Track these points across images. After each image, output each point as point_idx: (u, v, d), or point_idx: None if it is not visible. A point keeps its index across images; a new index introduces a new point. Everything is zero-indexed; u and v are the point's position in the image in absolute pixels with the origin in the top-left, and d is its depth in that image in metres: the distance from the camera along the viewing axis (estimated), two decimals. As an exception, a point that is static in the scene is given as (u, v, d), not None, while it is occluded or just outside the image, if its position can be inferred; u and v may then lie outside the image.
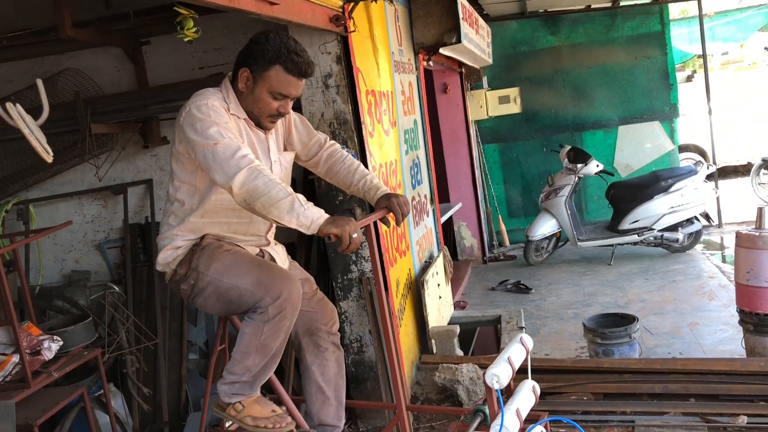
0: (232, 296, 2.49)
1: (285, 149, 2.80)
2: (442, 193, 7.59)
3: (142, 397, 4.54)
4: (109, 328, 4.61)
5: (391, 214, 2.66)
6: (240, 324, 3.13)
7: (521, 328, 5.32)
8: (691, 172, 7.33)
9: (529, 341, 2.52)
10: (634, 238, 7.33)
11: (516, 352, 2.44)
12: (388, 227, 2.89)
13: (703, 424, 3.73)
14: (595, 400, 4.10)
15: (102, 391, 4.27)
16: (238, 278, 2.46)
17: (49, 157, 2.15)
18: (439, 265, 5.45)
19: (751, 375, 3.95)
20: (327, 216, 2.36)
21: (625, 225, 7.35)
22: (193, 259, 2.55)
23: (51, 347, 3.75)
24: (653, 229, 7.27)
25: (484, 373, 2.27)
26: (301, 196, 2.35)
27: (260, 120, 2.55)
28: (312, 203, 2.37)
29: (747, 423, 3.67)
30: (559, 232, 7.66)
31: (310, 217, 2.32)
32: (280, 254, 2.74)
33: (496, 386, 2.22)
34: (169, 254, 2.60)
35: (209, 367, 3.04)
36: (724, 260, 7.22)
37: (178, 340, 4.71)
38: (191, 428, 4.21)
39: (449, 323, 5.44)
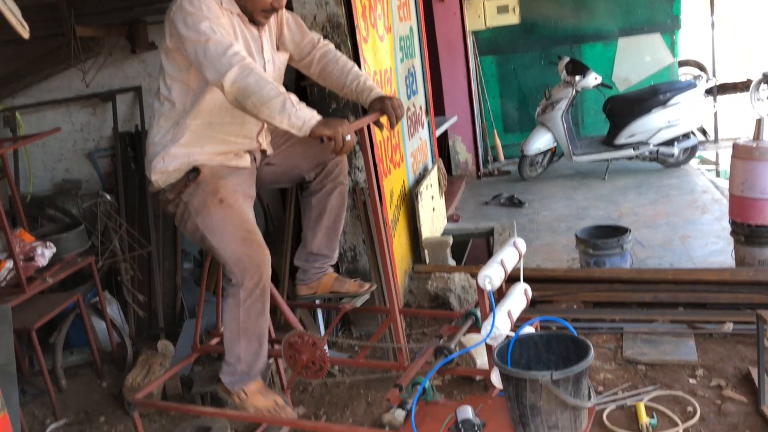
0: (213, 251, 2.56)
1: (278, 49, 2.71)
2: (438, 106, 7.46)
3: (137, 305, 4.59)
4: (102, 237, 4.60)
5: (385, 116, 2.60)
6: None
7: (514, 239, 5.34)
8: (690, 86, 7.21)
9: (522, 245, 2.52)
10: (630, 152, 7.29)
11: (509, 255, 2.43)
12: (381, 130, 2.83)
13: (689, 331, 3.81)
14: (585, 309, 4.17)
15: (97, 298, 4.31)
16: (221, 242, 2.48)
17: (25, 32, 2.05)
18: (433, 178, 5.42)
19: (739, 284, 3.99)
20: (319, 117, 2.30)
21: (621, 139, 7.29)
22: (184, 192, 2.51)
23: (44, 253, 3.75)
24: (649, 144, 7.22)
25: (476, 276, 2.28)
26: (293, 96, 2.28)
27: (253, 14, 2.45)
28: (304, 104, 2.31)
29: (732, 329, 3.74)
30: (555, 147, 7.60)
31: (302, 117, 2.26)
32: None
33: (489, 287, 2.23)
34: (159, 176, 2.55)
35: (202, 274, 3.05)
36: (718, 175, 7.21)
37: (172, 249, 4.72)
38: (186, 335, 4.27)
39: (442, 235, 5.46)
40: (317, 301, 3.30)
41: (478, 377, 3.62)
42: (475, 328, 2.68)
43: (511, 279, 2.43)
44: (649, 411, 3.15)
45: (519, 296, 2.45)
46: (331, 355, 3.00)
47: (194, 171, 2.50)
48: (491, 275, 2.23)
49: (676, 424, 3.04)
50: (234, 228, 2.48)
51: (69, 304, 4.10)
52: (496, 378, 2.28)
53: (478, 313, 2.67)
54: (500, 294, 2.49)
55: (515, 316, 2.36)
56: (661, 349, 3.68)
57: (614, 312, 4.09)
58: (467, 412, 2.09)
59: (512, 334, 2.27)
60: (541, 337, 2.14)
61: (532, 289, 2.54)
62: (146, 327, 4.64)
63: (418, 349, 2.84)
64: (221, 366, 2.67)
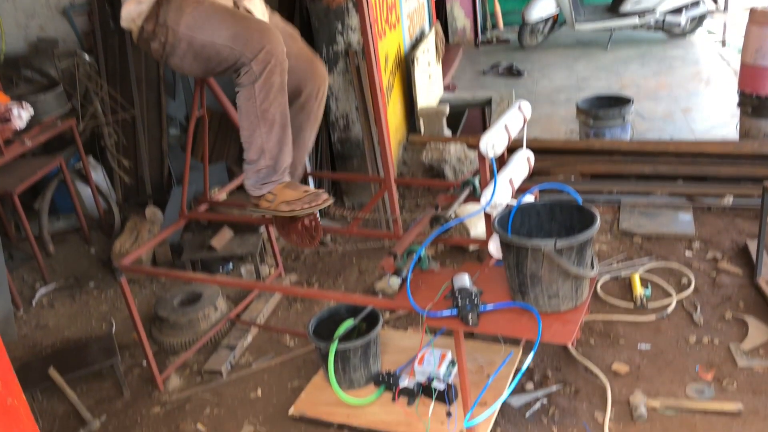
0: (209, 53, 2.26)
1: None
2: (435, -33, 7.01)
3: (123, 171, 4.46)
4: (83, 99, 4.39)
5: None
6: (219, 89, 2.94)
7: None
8: (702, -51, 6.79)
9: (527, 109, 2.37)
10: (635, 21, 6.96)
11: (513, 120, 2.28)
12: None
13: (688, 204, 3.74)
14: (583, 181, 4.08)
15: (81, 163, 4.17)
16: (213, 33, 2.22)
17: None
18: (430, 42, 5.15)
19: (743, 157, 3.89)
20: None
21: (627, 7, 6.94)
22: (159, 13, 2.28)
23: (21, 115, 3.56)
24: (656, 12, 6.88)
25: (476, 144, 2.14)
26: None
27: None
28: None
29: (732, 203, 3.67)
30: (557, 14, 7.24)
31: None
32: (257, 6, 2.47)
33: (491, 154, 2.10)
34: (132, 9, 2.31)
35: (188, 134, 2.89)
36: (724, 46, 6.93)
37: (157, 114, 4.53)
38: (174, 202, 4.18)
39: (438, 104, 5.27)
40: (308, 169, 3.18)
41: (472, 247, 3.58)
42: (473, 197, 2.58)
43: (510, 149, 2.30)
44: (644, 282, 3.14)
45: (521, 164, 2.33)
46: (324, 225, 2.92)
47: None
48: (495, 141, 2.09)
49: (669, 295, 3.03)
50: (220, 13, 2.25)
51: (52, 169, 3.97)
52: (494, 247, 2.20)
53: (477, 182, 2.57)
54: (501, 162, 2.37)
55: (516, 184, 2.26)
56: (658, 221, 3.62)
57: (612, 184, 4.01)
58: (464, 279, 2.02)
59: (513, 202, 2.17)
60: (544, 206, 2.04)
61: (531, 160, 2.42)
62: (134, 194, 4.53)
63: (412, 219, 2.75)
64: (243, 170, 2.42)
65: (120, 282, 2.65)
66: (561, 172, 4.11)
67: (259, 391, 2.81)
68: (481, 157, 2.16)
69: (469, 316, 1.89)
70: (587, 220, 1.94)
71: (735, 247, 3.35)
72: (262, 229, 3.67)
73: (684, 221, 3.61)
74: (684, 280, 3.12)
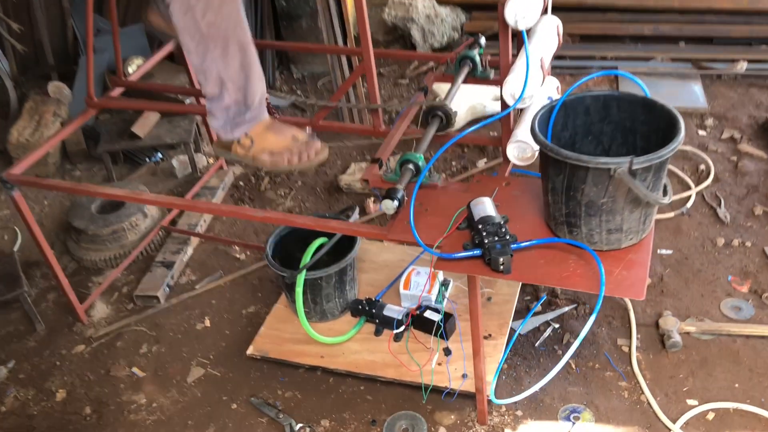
0: None
1: None
2: None
3: (15, 37, 3.60)
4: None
5: None
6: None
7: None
8: None
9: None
10: None
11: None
12: None
13: (695, 71, 3.23)
14: (573, 44, 3.49)
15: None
16: None
17: None
18: None
19: (757, 14, 3.36)
20: None
21: None
22: None
23: None
24: None
25: (503, 7, 1.54)
26: None
27: None
28: None
29: (745, 70, 3.19)
30: None
31: None
32: None
33: (522, 25, 1.50)
34: None
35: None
36: None
37: (51, -39, 3.62)
38: (84, 75, 3.41)
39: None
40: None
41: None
42: (473, 77, 2.01)
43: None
44: (657, 170, 2.68)
45: (550, 37, 1.74)
46: (274, 103, 2.30)
47: None
48: (525, 3, 1.48)
49: (688, 187, 2.59)
50: None
51: None
52: (515, 152, 1.66)
53: (476, 57, 1.98)
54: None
55: (546, 66, 1.68)
56: (664, 93, 3.11)
57: (606, 48, 3.45)
58: (486, 206, 1.49)
59: (545, 92, 1.61)
60: (595, 100, 1.48)
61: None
62: (32, 65, 3.71)
63: (388, 105, 2.09)
64: (207, 109, 1.83)
65: (13, 199, 2.01)
66: (547, 34, 3.50)
67: (207, 321, 2.29)
68: (504, 27, 1.56)
69: (501, 260, 1.37)
70: (659, 122, 1.40)
71: (754, 124, 2.90)
72: (198, 118, 2.99)
73: (693, 93, 3.12)
74: (702, 167, 2.68)
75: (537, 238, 1.44)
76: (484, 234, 1.40)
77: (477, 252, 1.41)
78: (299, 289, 1.94)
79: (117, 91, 2.33)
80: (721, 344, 2.01)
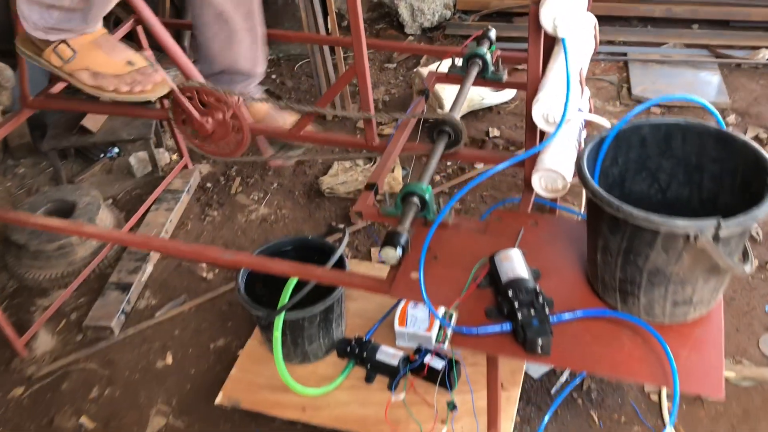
0: None
1: None
2: None
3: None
4: None
5: None
6: None
7: None
8: None
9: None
10: None
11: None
12: None
13: (712, 60, 2.94)
14: (577, 25, 3.17)
15: None
16: None
17: None
18: None
19: (780, -3, 3.07)
20: None
21: None
22: None
23: None
24: None
25: None
26: None
27: None
28: None
29: (768, 59, 2.91)
30: None
31: None
32: None
33: (562, 32, 1.18)
34: None
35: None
36: None
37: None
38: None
39: None
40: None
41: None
42: (482, 79, 1.69)
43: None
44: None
45: (586, 40, 1.42)
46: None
47: None
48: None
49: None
50: None
51: None
52: (541, 183, 1.35)
53: (487, 56, 1.67)
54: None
55: (584, 75, 1.36)
56: (678, 83, 2.82)
57: (614, 31, 3.14)
58: (515, 262, 1.18)
59: (585, 111, 1.30)
60: (654, 130, 1.17)
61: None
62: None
63: (373, 86, 1.72)
64: None
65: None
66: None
67: (169, 357, 1.98)
68: (536, 31, 1.24)
69: (539, 340, 1.07)
70: (735, 161, 1.10)
71: (781, 122, 2.62)
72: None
73: (711, 84, 2.82)
74: (727, 173, 2.40)
75: (580, 306, 1.14)
76: (516, 304, 1.09)
77: (506, 327, 1.10)
78: (277, 333, 1.63)
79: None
80: (765, 393, 1.74)
